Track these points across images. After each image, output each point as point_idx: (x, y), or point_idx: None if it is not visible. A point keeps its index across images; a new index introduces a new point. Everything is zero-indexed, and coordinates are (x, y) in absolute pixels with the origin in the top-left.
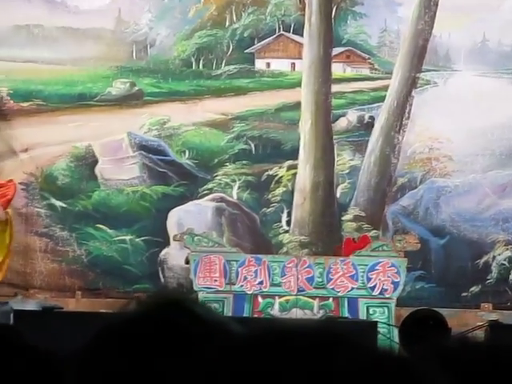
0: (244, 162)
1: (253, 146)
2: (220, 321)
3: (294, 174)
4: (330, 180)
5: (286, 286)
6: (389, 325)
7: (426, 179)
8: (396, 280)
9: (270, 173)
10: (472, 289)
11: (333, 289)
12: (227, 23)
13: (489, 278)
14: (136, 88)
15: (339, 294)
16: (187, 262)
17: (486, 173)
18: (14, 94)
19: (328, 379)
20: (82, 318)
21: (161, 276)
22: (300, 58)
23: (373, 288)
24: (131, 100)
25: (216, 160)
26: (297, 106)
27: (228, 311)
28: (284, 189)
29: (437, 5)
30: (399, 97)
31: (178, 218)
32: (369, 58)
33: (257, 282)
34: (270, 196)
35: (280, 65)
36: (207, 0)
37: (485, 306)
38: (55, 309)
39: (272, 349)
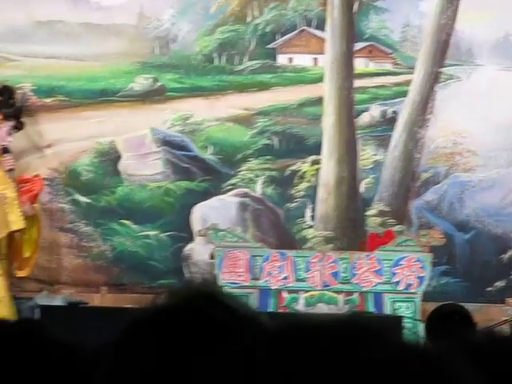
0: (267, 157)
1: (276, 141)
2: (251, 312)
3: (318, 169)
4: (354, 175)
5: (311, 281)
6: (414, 319)
7: (449, 174)
8: (421, 275)
9: (294, 168)
10: (497, 283)
11: (357, 284)
12: (249, 18)
13: None
14: (158, 83)
15: (364, 289)
16: (212, 257)
17: (511, 167)
18: (36, 89)
19: (357, 372)
20: (107, 313)
21: (185, 271)
22: (322, 53)
23: (398, 283)
24: (154, 95)
25: (239, 155)
26: (319, 101)
27: (253, 306)
28: (308, 184)
29: None
30: (422, 92)
31: (202, 214)
32: (391, 53)
33: (281, 278)
34: (293, 191)
35: (302, 60)
36: None
37: (510, 300)
38: (80, 304)
39: (302, 341)
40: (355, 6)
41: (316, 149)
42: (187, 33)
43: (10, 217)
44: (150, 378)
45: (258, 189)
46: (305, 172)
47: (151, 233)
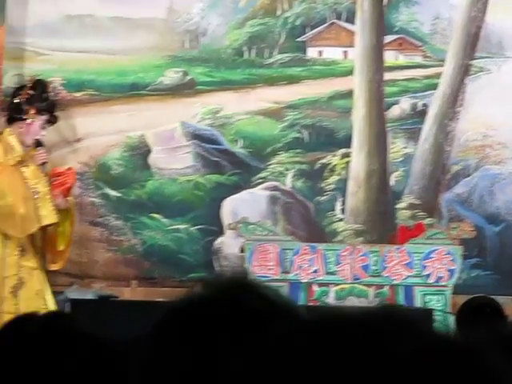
0: (297, 150)
1: (306, 134)
2: (288, 302)
3: (348, 163)
4: (384, 168)
5: (341, 275)
6: (445, 312)
7: (479, 167)
8: (452, 268)
9: (324, 161)
10: None
11: (388, 277)
12: (279, 12)
13: None
14: (188, 77)
15: (394, 282)
16: (242, 250)
17: None
18: (66, 84)
19: (391, 363)
20: (138, 307)
21: (215, 265)
22: (352, 46)
23: (428, 276)
24: (183, 89)
25: (269, 149)
26: (349, 94)
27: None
28: (338, 177)
29: None
30: (452, 84)
31: (233, 207)
32: (421, 46)
33: (312, 271)
34: (323, 184)
35: (332, 53)
36: None
37: None
38: (111, 298)
39: (339, 331)
40: None
41: (346, 142)
42: (217, 26)
43: (41, 211)
44: (188, 369)
45: (288, 182)
46: (335, 165)
47: (181, 226)
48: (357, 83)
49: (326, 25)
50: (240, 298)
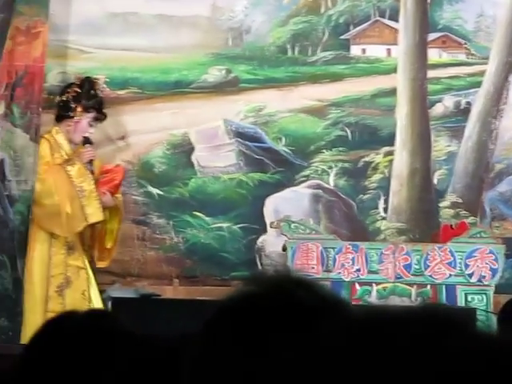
0: (340, 148)
1: (349, 132)
2: (339, 300)
3: (391, 161)
4: (427, 166)
5: (384, 273)
6: (487, 312)
7: None
8: (494, 267)
9: (367, 159)
10: None
11: (430, 276)
12: (322, 9)
13: None
14: (232, 75)
15: (437, 281)
16: (284, 249)
17: None
18: (110, 82)
19: (438, 363)
20: (180, 306)
21: (258, 263)
22: (395, 43)
23: (471, 275)
24: (227, 87)
25: (312, 147)
26: (393, 92)
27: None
28: (381, 175)
29: None
30: (496, 82)
31: (275, 205)
32: (465, 44)
33: (354, 269)
34: (366, 182)
35: (375, 51)
36: None
37: None
38: (153, 296)
39: (383, 331)
40: None
41: (389, 140)
42: (260, 24)
43: (87, 210)
44: (241, 367)
45: (331, 180)
46: (378, 163)
47: (224, 225)
48: (400, 81)
49: (369, 22)
50: (293, 294)
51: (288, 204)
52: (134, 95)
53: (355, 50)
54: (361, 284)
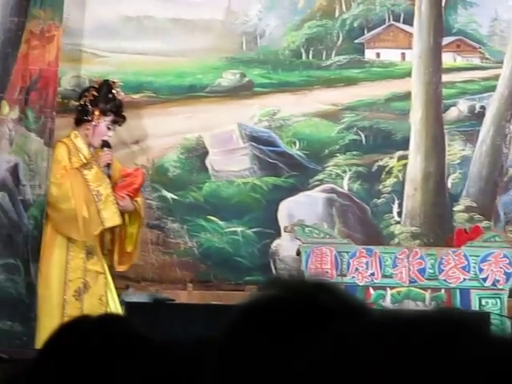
0: (354, 152)
1: (363, 136)
2: (360, 303)
3: (405, 165)
4: (441, 170)
5: (398, 278)
6: (501, 316)
7: None
8: (508, 271)
9: (381, 163)
10: None
11: (445, 280)
12: (337, 13)
13: None
14: (246, 79)
15: (451, 286)
16: (298, 253)
17: None
18: (124, 85)
19: (452, 368)
20: (194, 310)
21: (272, 268)
22: (410, 47)
23: (485, 279)
24: (241, 91)
25: (326, 151)
26: (407, 96)
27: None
28: (395, 179)
29: None
30: (510, 86)
31: (289, 210)
32: (479, 48)
33: (368, 274)
34: (380, 187)
35: (390, 55)
36: None
37: None
38: (167, 301)
39: (401, 330)
40: (443, 1)
41: (403, 144)
42: (275, 28)
43: (104, 214)
44: (265, 370)
45: (345, 184)
46: (392, 167)
47: (238, 229)
48: (414, 85)
49: (383, 26)
50: (317, 297)
51: (302, 208)
52: (148, 99)
53: (369, 54)
54: (375, 288)
